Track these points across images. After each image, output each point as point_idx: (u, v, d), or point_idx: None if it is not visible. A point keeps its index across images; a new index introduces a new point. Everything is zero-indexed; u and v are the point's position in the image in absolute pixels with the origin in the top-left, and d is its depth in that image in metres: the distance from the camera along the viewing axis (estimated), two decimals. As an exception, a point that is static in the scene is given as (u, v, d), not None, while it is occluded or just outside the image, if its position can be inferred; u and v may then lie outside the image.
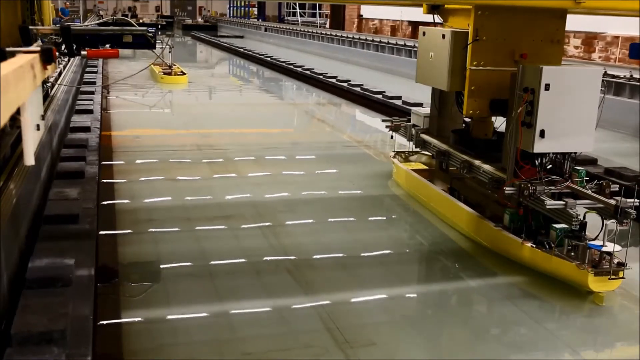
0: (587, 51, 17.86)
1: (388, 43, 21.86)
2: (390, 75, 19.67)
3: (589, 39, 17.78)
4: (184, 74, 18.39)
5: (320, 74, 17.74)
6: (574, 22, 16.50)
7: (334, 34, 27.07)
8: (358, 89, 15.03)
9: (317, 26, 36.60)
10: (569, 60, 15.68)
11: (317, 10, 41.27)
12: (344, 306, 4.92)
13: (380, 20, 30.63)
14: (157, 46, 18.13)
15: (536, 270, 5.45)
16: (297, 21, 41.36)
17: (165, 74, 18.07)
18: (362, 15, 32.56)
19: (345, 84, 15.88)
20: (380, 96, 13.76)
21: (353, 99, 15.12)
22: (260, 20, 47.71)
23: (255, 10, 52.36)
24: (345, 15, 34.17)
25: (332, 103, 15.79)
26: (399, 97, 13.11)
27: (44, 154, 5.81)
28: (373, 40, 23.14)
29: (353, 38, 24.99)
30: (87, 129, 8.01)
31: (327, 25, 36.62)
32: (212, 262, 5.62)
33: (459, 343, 4.54)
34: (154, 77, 18.59)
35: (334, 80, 16.58)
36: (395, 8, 26.69)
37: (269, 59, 22.95)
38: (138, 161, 9.11)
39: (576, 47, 18.14)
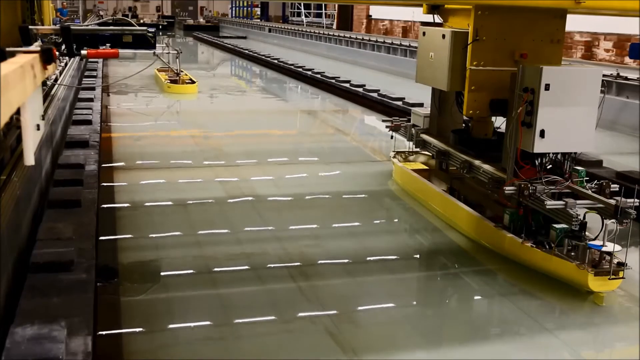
0: (619, 54, 16.49)
1: (400, 45, 20.80)
2: (404, 78, 18.01)
3: (621, 42, 16.42)
4: (193, 82, 16.47)
5: (332, 77, 16.70)
6: (604, 24, 15.82)
7: (342, 35, 25.98)
8: (375, 94, 14.00)
9: (323, 27, 35.59)
10: (598, 64, 14.67)
11: (323, 11, 40.39)
12: (350, 314, 4.88)
13: (391, 20, 29.35)
14: (161, 49, 17.00)
15: (536, 270, 5.45)
16: (302, 21, 40.86)
17: (171, 82, 16.20)
18: (371, 16, 31.36)
19: (360, 89, 14.88)
20: (400, 103, 12.66)
21: (369, 105, 14.08)
22: (263, 20, 47.37)
23: (258, 11, 52.13)
24: (354, 15, 33.07)
25: (347, 110, 14.81)
26: (420, 104, 11.65)
27: (36, 173, 5.17)
28: (384, 42, 22.02)
29: (362, 39, 23.90)
30: (84, 144, 7.15)
31: (334, 26, 35.58)
32: (215, 269, 5.52)
33: (458, 343, 4.54)
34: (159, 86, 16.83)
35: (347, 85, 15.64)
36: (407, 8, 25.48)
37: (275, 61, 21.93)
38: (140, 167, 8.81)
39: (607, 51, 16.90)
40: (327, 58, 25.49)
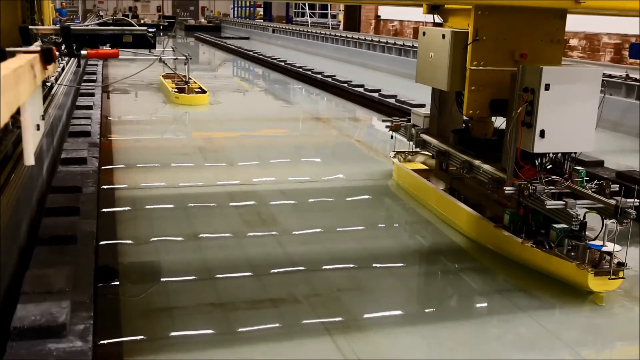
0: (652, 57, 15.56)
1: (413, 47, 19.60)
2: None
3: (659, 43, 15.16)
4: (204, 91, 14.71)
5: (345, 81, 15.87)
6: (635, 25, 13.94)
7: (350, 36, 25.19)
8: (392, 100, 13.03)
9: (329, 27, 34.69)
10: (630, 68, 13.60)
11: (329, 11, 39.52)
12: (352, 315, 4.85)
13: (401, 21, 28.38)
14: (169, 54, 15.13)
15: (536, 270, 5.45)
16: (307, 22, 40.39)
17: (179, 90, 14.47)
18: (379, 16, 30.46)
19: (375, 94, 13.93)
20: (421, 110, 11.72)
21: (386, 112, 12.75)
22: (265, 21, 47.04)
23: (260, 11, 51.91)
24: (362, 16, 32.21)
25: (363, 117, 13.95)
26: None
27: (27, 197, 4.58)
28: (395, 44, 21.15)
29: (372, 41, 23.00)
30: (82, 160, 6.43)
31: (341, 27, 34.82)
32: (217, 275, 5.45)
33: (459, 343, 4.53)
34: (165, 95, 15.17)
35: (361, 90, 14.76)
36: (418, 8, 24.58)
37: (282, 63, 21.11)
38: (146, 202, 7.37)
39: (638, 53, 15.99)
40: (334, 60, 24.76)
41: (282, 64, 21.19)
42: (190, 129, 12.74)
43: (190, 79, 15.04)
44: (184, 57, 14.62)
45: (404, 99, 12.72)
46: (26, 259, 4.08)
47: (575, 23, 17.15)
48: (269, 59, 23.01)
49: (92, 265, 4.18)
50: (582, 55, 17.75)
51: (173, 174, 8.72)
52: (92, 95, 11.04)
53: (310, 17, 41.43)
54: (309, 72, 18.38)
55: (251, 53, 25.91)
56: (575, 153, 5.72)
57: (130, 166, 8.88)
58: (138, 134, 11.45)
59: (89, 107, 9.78)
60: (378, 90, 14.23)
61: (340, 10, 37.88)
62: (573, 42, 18.08)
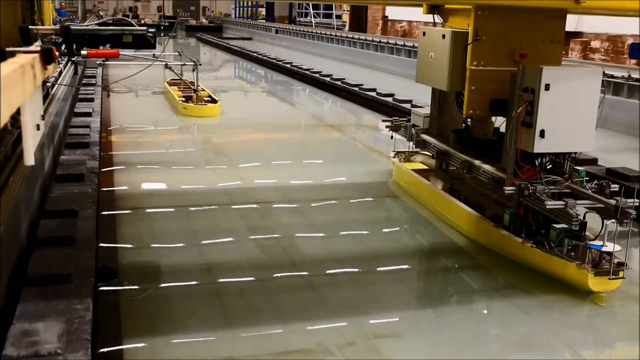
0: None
1: None
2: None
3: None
4: (214, 101, 13.29)
5: (355, 85, 15.28)
6: None
7: (356, 36, 24.46)
8: (407, 105, 12.37)
9: (334, 28, 33.84)
10: None
11: (334, 11, 38.80)
12: (355, 322, 4.80)
13: (409, 22, 27.47)
14: (177, 60, 14.27)
15: (536, 270, 5.45)
16: (310, 22, 40.01)
17: (186, 99, 13.11)
18: (387, 17, 29.69)
19: (389, 99, 13.38)
20: None
21: (402, 117, 11.49)
22: (268, 21, 46.68)
23: (263, 11, 51.66)
24: (368, 16, 31.33)
25: (376, 124, 12.84)
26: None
27: (17, 224, 3.95)
28: (404, 45, 20.44)
29: (379, 42, 22.26)
30: (80, 177, 5.70)
31: (347, 28, 34.06)
32: (220, 280, 5.40)
33: (459, 343, 4.54)
34: (172, 105, 13.75)
35: (374, 94, 14.20)
36: None
37: (288, 65, 20.57)
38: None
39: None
40: (340, 61, 24.13)
41: (288, 66, 20.68)
42: (199, 140, 11.40)
43: (199, 86, 13.57)
44: (193, 63, 13.31)
45: (420, 104, 11.75)
46: (13, 305, 3.38)
47: (597, 24, 16.54)
48: (274, 61, 22.57)
49: (89, 312, 3.37)
50: (604, 57, 16.94)
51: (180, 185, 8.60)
52: (91, 99, 10.33)
53: (314, 17, 40.93)
54: (317, 75, 17.90)
55: (255, 54, 25.46)
56: (575, 153, 5.72)
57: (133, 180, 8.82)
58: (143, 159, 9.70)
59: (88, 115, 8.98)
60: (392, 95, 13.67)
61: (345, 11, 37.53)
62: (595, 43, 17.23)
